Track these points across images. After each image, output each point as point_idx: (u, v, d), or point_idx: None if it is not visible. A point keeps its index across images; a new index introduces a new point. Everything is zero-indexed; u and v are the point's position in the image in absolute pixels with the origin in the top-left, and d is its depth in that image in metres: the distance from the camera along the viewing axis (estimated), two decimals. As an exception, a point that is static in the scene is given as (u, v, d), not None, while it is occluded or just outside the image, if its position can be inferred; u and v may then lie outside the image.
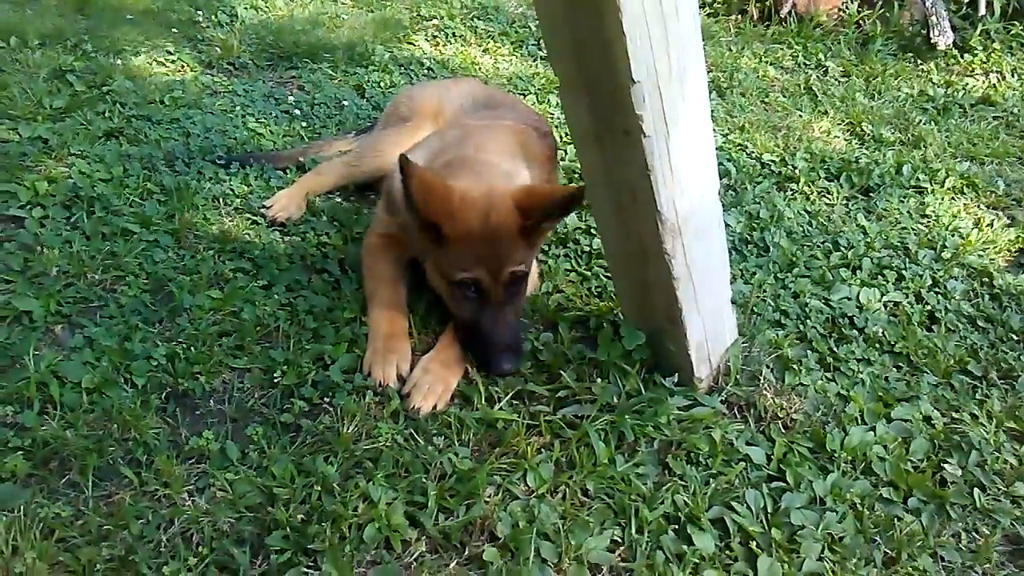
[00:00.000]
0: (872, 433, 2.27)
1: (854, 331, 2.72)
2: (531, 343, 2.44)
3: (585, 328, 2.53)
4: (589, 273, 2.86)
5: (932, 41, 5.34)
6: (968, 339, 2.75)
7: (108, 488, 1.89)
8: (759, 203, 3.43)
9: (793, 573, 1.86)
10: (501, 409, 2.22)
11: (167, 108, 3.65)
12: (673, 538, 1.91)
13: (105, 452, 1.96)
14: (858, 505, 2.05)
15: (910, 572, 1.91)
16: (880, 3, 5.57)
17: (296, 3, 5.27)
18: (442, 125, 3.18)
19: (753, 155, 3.90)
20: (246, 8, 4.98)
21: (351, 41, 4.65)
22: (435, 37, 5.01)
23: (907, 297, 2.93)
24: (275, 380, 2.23)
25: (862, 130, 4.30)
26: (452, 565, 1.81)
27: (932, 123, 4.49)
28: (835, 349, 2.61)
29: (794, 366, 2.47)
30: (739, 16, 5.76)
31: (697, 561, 1.86)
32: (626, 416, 2.18)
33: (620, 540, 1.91)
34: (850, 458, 2.19)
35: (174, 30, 4.55)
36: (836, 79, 5.07)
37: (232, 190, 3.10)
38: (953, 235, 3.36)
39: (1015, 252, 3.34)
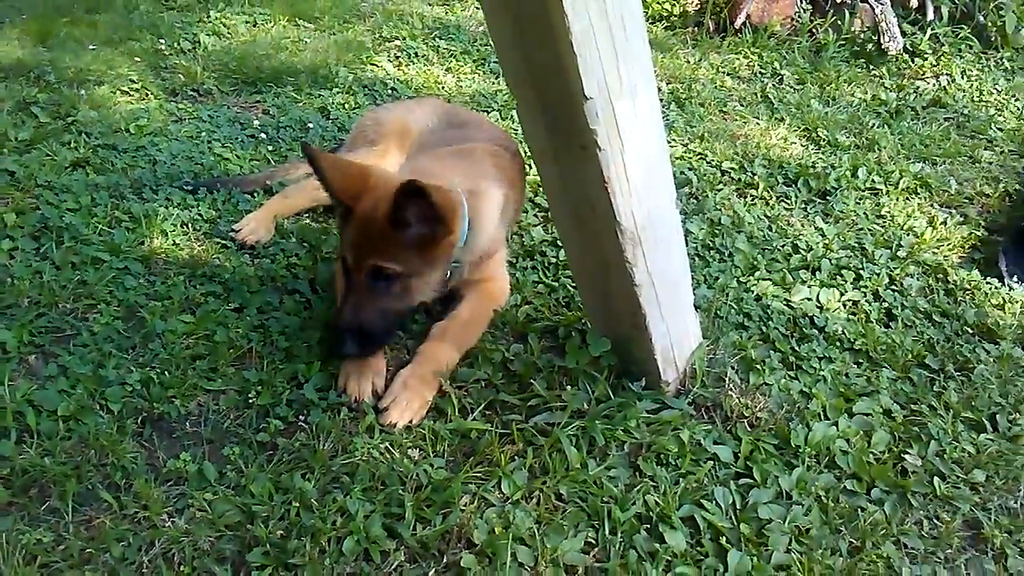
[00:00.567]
0: (835, 428, 2.33)
1: (815, 330, 2.78)
2: (502, 354, 2.48)
3: (554, 338, 2.58)
4: (556, 284, 2.90)
5: (883, 47, 5.43)
6: (925, 334, 2.82)
7: (88, 513, 1.91)
8: (720, 210, 3.49)
9: (762, 566, 1.91)
10: (474, 419, 2.26)
11: (132, 136, 3.64)
12: (646, 537, 1.96)
13: (84, 477, 1.98)
14: (823, 498, 2.11)
15: (875, 560, 1.97)
16: (832, 11, 5.67)
17: (259, 28, 5.27)
18: (408, 146, 3.21)
19: (713, 163, 3.97)
20: (208, 35, 4.98)
21: (314, 64, 4.66)
22: (398, 58, 5.05)
23: (865, 296, 3.00)
24: (250, 401, 2.26)
25: (818, 136, 4.38)
26: (431, 573, 1.85)
27: (885, 126, 4.58)
28: (797, 348, 2.68)
29: (758, 366, 2.52)
30: (695, 28, 5.84)
31: (669, 558, 1.91)
32: (596, 421, 2.22)
33: (594, 541, 1.96)
34: (814, 453, 2.25)
35: (137, 59, 4.54)
36: (791, 87, 5.15)
37: (200, 215, 3.11)
38: (908, 234, 3.44)
39: (968, 248, 3.42)
